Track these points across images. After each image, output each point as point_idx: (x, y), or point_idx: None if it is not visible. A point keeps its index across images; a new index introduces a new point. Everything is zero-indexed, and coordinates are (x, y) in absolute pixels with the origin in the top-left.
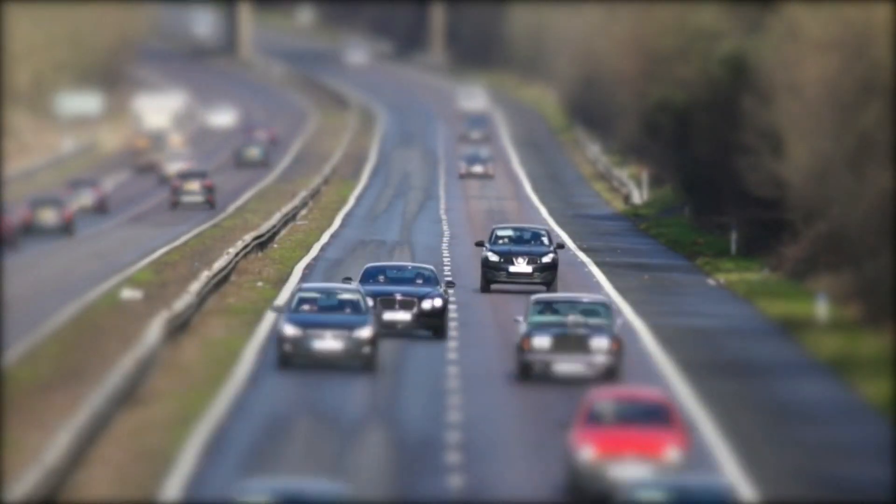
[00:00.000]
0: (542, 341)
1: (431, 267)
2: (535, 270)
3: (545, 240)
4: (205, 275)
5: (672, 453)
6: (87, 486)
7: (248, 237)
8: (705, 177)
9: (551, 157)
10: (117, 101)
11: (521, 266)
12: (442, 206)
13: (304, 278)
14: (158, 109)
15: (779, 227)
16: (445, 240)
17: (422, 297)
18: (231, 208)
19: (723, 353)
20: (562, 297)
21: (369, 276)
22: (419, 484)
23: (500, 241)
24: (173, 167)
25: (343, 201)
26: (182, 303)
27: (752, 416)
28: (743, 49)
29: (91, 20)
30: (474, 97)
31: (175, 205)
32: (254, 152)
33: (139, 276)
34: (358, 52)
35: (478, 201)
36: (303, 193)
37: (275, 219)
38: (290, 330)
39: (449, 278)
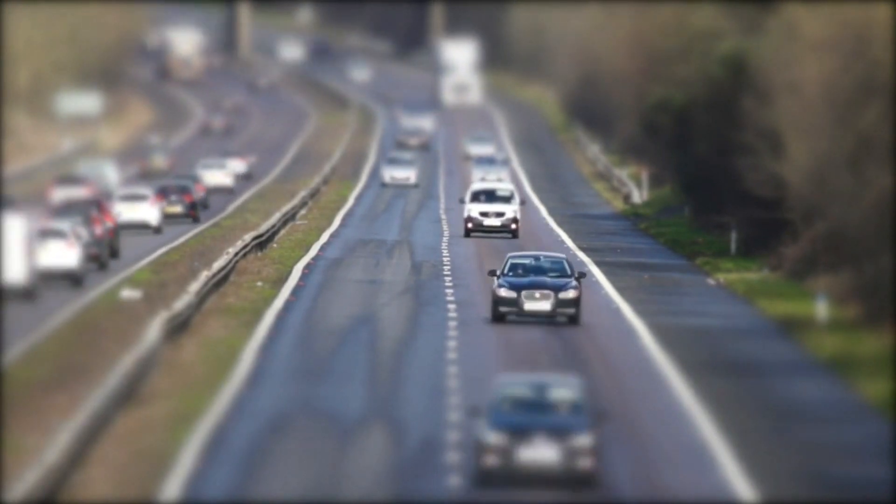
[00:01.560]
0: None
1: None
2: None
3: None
4: (204, 275)
5: None
6: (87, 486)
7: (247, 237)
8: (705, 177)
9: (551, 157)
10: (117, 101)
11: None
12: (442, 206)
13: (303, 277)
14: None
15: (779, 227)
16: (445, 240)
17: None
18: (231, 208)
19: (723, 353)
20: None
21: None
22: (419, 484)
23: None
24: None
25: (342, 201)
26: (181, 303)
27: (752, 416)
28: (742, 49)
29: (91, 20)
30: (484, 143)
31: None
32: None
33: (139, 276)
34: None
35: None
36: (302, 193)
37: (274, 218)
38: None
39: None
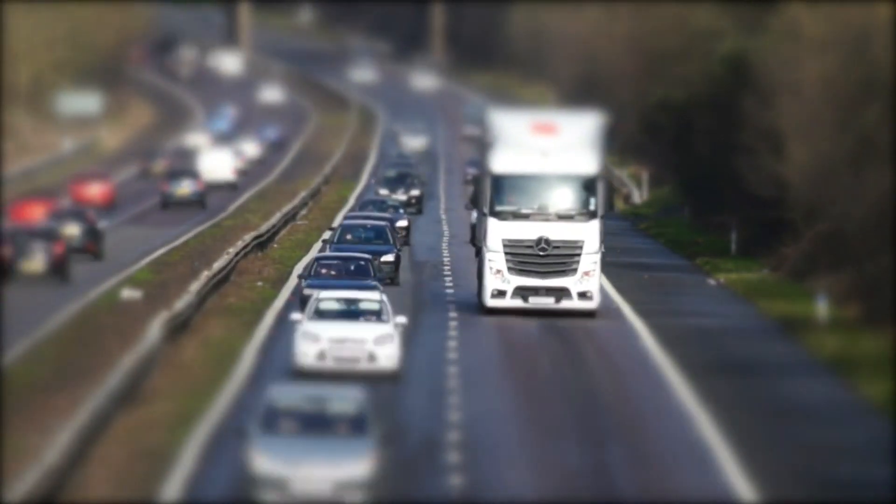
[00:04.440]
0: None
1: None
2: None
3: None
4: (205, 274)
5: None
6: (87, 486)
7: (247, 237)
8: (705, 177)
9: None
10: (117, 101)
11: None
12: (442, 206)
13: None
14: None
15: (779, 227)
16: (445, 240)
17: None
18: (231, 208)
19: (723, 353)
20: None
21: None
22: (419, 484)
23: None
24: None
25: (343, 201)
26: (182, 302)
27: (752, 416)
28: (743, 48)
29: (91, 20)
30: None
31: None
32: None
33: (139, 276)
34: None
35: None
36: (303, 193)
37: (275, 219)
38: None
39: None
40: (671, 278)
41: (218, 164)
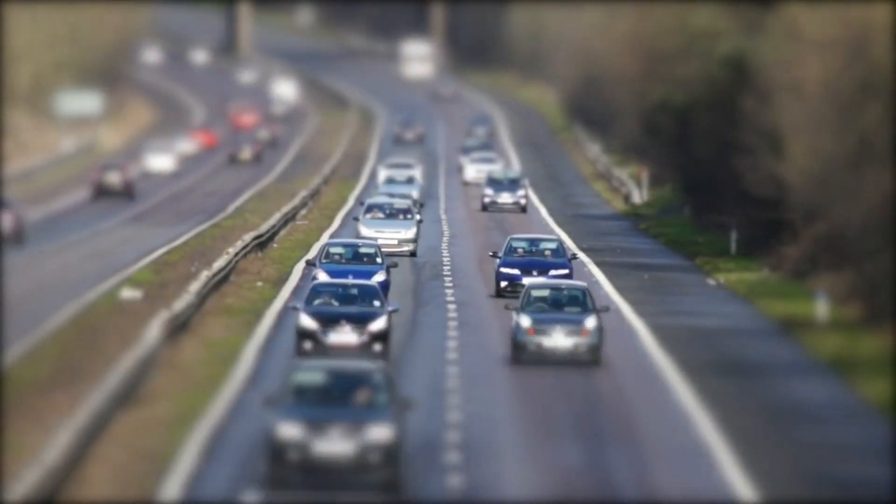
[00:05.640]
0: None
1: None
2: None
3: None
4: (204, 275)
5: None
6: (87, 485)
7: (247, 237)
8: (705, 177)
9: (551, 157)
10: (117, 101)
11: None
12: (442, 206)
13: (303, 278)
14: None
15: (779, 227)
16: (445, 240)
17: None
18: (231, 208)
19: (723, 353)
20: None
21: None
22: (419, 484)
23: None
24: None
25: (343, 201)
26: (182, 303)
27: (752, 416)
28: (743, 49)
29: (91, 20)
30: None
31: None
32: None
33: (139, 276)
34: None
35: (478, 201)
36: (303, 193)
37: (274, 219)
38: None
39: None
40: (671, 278)
41: (287, 91)
